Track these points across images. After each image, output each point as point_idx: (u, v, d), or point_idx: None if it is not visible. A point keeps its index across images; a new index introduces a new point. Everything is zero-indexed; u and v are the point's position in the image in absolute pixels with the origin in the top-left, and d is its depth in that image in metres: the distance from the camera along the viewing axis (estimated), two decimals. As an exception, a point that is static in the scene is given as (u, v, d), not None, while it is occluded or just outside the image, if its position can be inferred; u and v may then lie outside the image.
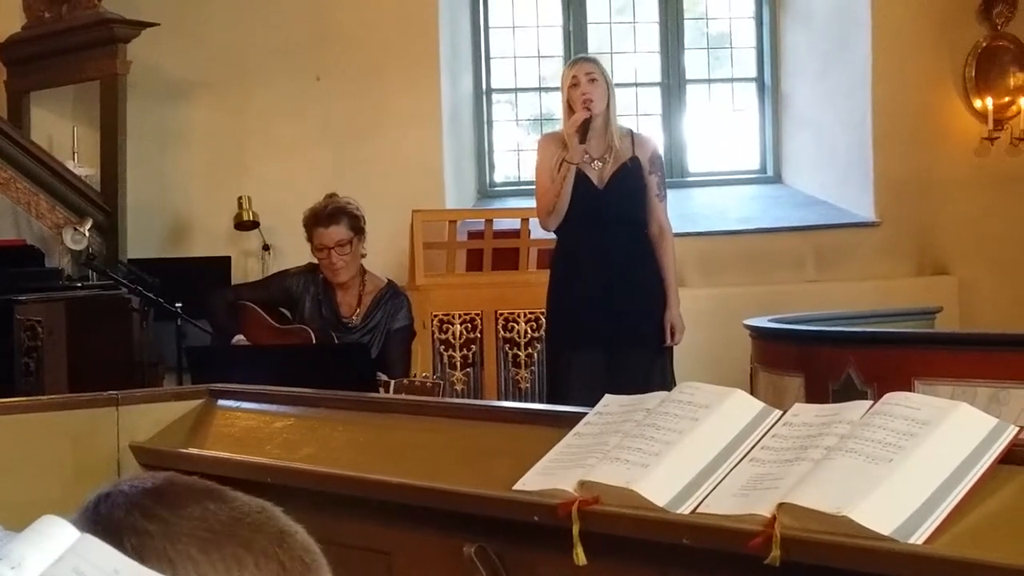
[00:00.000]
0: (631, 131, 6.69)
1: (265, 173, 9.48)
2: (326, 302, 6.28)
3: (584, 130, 6.34)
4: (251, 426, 3.76)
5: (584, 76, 6.41)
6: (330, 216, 6.22)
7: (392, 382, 5.72)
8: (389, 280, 6.45)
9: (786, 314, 7.69)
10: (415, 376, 5.88)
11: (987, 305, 9.78)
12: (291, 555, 1.28)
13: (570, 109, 6.45)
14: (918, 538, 2.19)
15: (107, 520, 1.27)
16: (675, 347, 6.54)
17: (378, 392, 5.62)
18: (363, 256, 6.33)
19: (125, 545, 1.22)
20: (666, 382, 6.17)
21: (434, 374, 6.06)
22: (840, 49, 10.20)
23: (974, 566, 2.12)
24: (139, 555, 1.22)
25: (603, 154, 6.47)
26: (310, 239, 6.29)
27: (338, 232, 6.20)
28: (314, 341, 6.10)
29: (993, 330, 7.32)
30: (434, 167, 9.75)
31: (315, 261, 6.33)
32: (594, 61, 6.62)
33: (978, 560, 2.12)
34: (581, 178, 6.42)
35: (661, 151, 6.86)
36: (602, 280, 6.37)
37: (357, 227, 6.25)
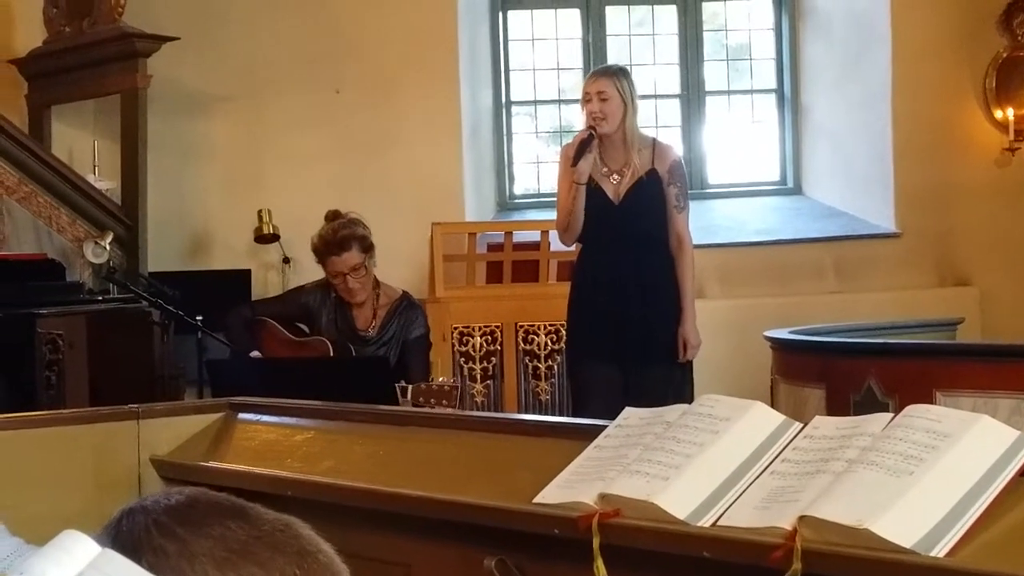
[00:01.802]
0: (654, 140, 6.62)
1: (285, 186, 9.50)
2: (342, 316, 6.30)
3: (580, 151, 6.30)
4: (271, 439, 3.77)
5: (596, 95, 6.37)
6: (340, 244, 6.24)
7: (409, 387, 5.73)
8: (404, 291, 6.47)
9: (807, 325, 7.68)
10: (432, 380, 5.89)
11: (1009, 316, 9.74)
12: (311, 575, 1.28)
13: None
14: (940, 551, 2.18)
15: (127, 537, 1.27)
16: (693, 360, 6.51)
17: (397, 401, 5.63)
18: (374, 266, 6.36)
19: (143, 563, 1.22)
20: (683, 397, 6.14)
21: (452, 379, 6.05)
22: (860, 60, 10.19)
23: (996, 579, 2.11)
24: (156, 572, 1.22)
25: (621, 167, 6.43)
26: (322, 265, 6.32)
27: (351, 258, 6.23)
28: (331, 353, 6.11)
29: (1015, 342, 7.29)
30: (454, 179, 9.76)
31: None
32: (611, 76, 6.48)
33: (1000, 572, 2.11)
34: (597, 193, 6.38)
35: (682, 161, 6.80)
36: (618, 295, 6.33)
37: (367, 247, 6.28)
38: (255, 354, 6.23)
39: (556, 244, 7.38)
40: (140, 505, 1.31)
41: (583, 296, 6.48)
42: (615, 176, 6.42)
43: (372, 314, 6.32)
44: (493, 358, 7.80)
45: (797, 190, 10.60)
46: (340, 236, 6.27)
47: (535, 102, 10.68)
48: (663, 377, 6.32)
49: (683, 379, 6.44)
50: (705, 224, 9.77)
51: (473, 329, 7.80)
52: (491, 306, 7.86)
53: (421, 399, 5.73)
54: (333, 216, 6.47)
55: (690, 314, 6.41)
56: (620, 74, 6.51)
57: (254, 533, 1.27)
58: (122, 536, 1.27)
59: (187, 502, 1.31)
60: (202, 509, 1.30)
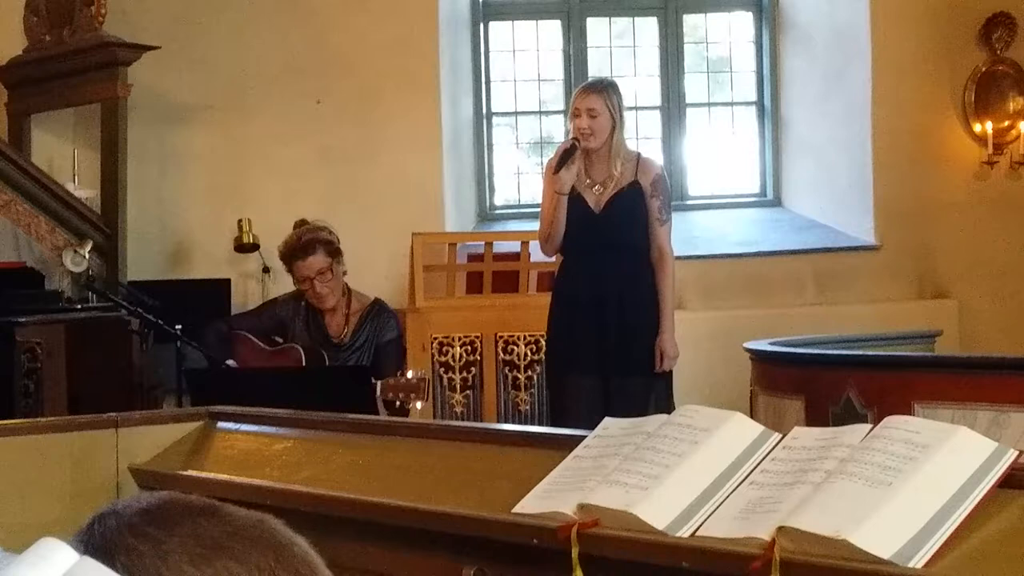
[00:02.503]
0: (639, 155, 6.61)
1: (265, 196, 9.49)
2: (315, 323, 6.33)
3: (563, 160, 6.30)
4: (250, 448, 3.76)
5: (585, 111, 6.37)
6: (305, 248, 6.28)
7: (378, 383, 5.74)
8: (376, 298, 6.50)
9: (786, 337, 7.69)
10: (400, 375, 5.90)
11: (987, 328, 9.78)
12: (287, 567, 1.28)
13: None
14: (917, 562, 2.19)
15: (101, 540, 1.27)
16: (673, 371, 6.51)
17: (377, 410, 5.65)
18: (344, 274, 6.38)
19: (116, 565, 1.22)
20: (662, 407, 6.14)
21: (420, 371, 6.06)
22: (840, 73, 10.21)
23: (974, 590, 2.12)
24: (131, 574, 1.22)
25: (604, 179, 6.44)
26: (290, 271, 6.35)
27: (316, 261, 6.27)
28: (303, 359, 6.13)
29: (993, 354, 7.31)
30: (434, 190, 9.76)
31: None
32: (601, 92, 6.45)
33: (978, 584, 2.12)
34: (579, 202, 6.38)
35: (666, 175, 6.81)
36: (597, 305, 6.32)
37: (333, 251, 6.32)
38: (229, 362, 6.24)
39: (536, 255, 7.39)
40: (111, 509, 1.31)
41: (563, 306, 6.48)
42: (597, 187, 6.42)
43: (344, 320, 6.35)
44: (473, 368, 7.80)
45: (777, 202, 10.62)
46: (304, 240, 6.32)
47: (516, 113, 10.68)
48: (643, 387, 6.31)
49: (663, 390, 6.44)
50: (685, 236, 9.78)
51: (453, 339, 7.80)
52: (471, 316, 7.86)
53: (391, 394, 5.74)
54: (300, 224, 6.53)
55: (668, 325, 6.41)
56: (610, 89, 6.50)
57: (227, 529, 1.27)
58: (95, 540, 1.27)
59: (158, 503, 1.31)
60: (174, 509, 1.30)
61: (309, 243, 6.30)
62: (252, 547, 1.27)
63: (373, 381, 5.79)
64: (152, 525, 1.27)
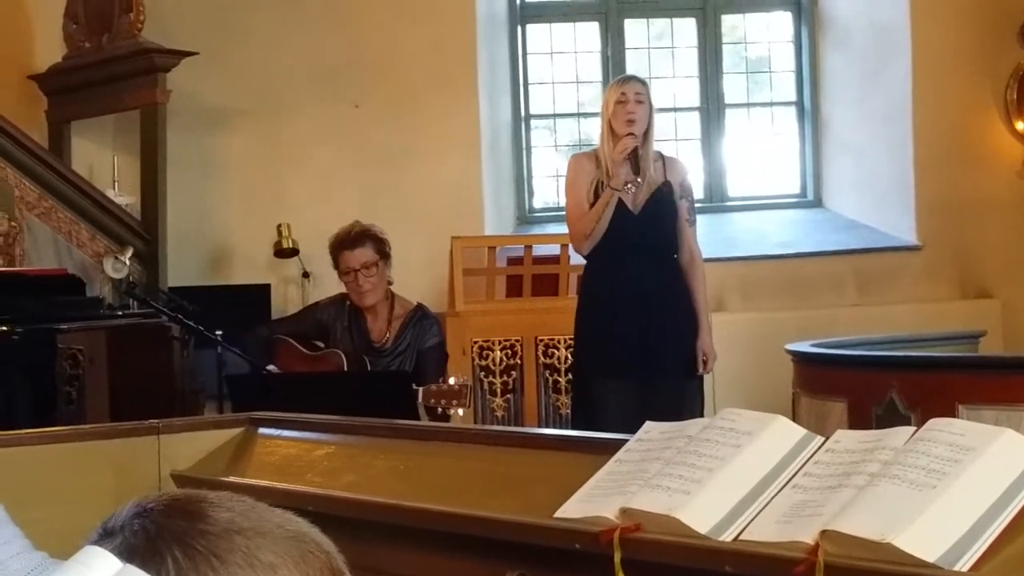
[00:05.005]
0: (661, 154, 6.59)
1: (304, 200, 9.51)
2: (356, 328, 6.32)
3: (635, 157, 6.30)
4: (292, 454, 3.76)
5: (633, 95, 6.35)
6: (355, 239, 6.29)
7: (420, 389, 5.75)
8: (419, 303, 6.49)
9: (828, 338, 7.65)
10: (442, 381, 5.90)
11: (1030, 328, 9.72)
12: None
13: (610, 128, 6.39)
14: (963, 565, 2.17)
15: (144, 539, 1.26)
16: (711, 374, 6.49)
17: (418, 415, 5.66)
18: (390, 283, 6.37)
19: (167, 563, 1.22)
20: (696, 411, 6.13)
21: (462, 378, 6.06)
22: (880, 72, 10.17)
23: (1021, 593, 2.10)
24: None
25: (637, 178, 6.42)
26: (336, 264, 6.35)
27: (364, 254, 6.26)
28: (345, 364, 6.13)
29: (1037, 354, 7.27)
30: (473, 193, 9.77)
31: (344, 291, 6.38)
32: (644, 83, 6.52)
33: (1025, 587, 2.10)
34: (616, 203, 6.38)
35: (691, 176, 6.79)
36: (636, 307, 6.29)
37: (382, 251, 6.31)
38: (271, 368, 6.25)
39: (576, 258, 7.38)
40: (141, 509, 1.30)
41: (598, 308, 6.43)
42: (630, 186, 6.39)
43: (386, 325, 6.34)
44: (513, 372, 7.81)
45: (817, 203, 10.58)
46: (356, 232, 6.33)
47: (554, 115, 10.68)
48: (681, 390, 6.30)
49: (696, 392, 6.42)
50: (725, 237, 9.77)
51: (493, 343, 7.80)
52: (511, 320, 7.87)
53: (432, 400, 5.74)
54: (353, 224, 6.52)
55: (706, 327, 6.40)
56: (648, 84, 6.54)
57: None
58: (136, 540, 1.26)
59: (183, 498, 1.30)
60: (199, 501, 1.29)
61: (360, 235, 6.31)
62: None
63: (414, 387, 5.78)
64: (186, 519, 1.26)
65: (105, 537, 1.28)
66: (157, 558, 1.23)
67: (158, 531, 1.25)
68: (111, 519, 1.30)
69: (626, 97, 6.36)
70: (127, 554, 1.23)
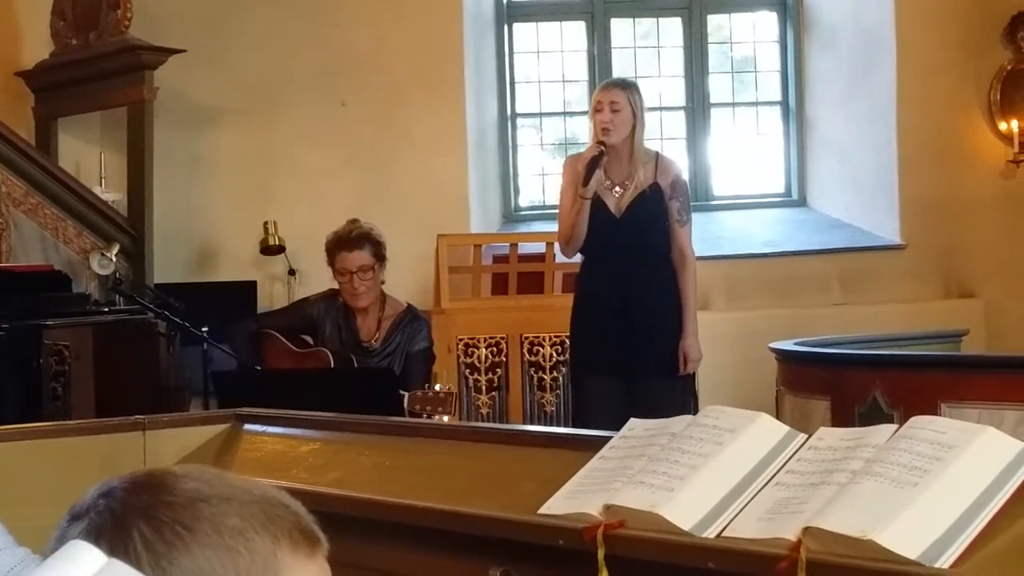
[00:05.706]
0: (657, 154, 6.58)
1: (291, 198, 9.52)
2: (346, 327, 6.30)
3: (591, 168, 6.29)
4: (277, 450, 3.77)
5: (608, 104, 6.36)
6: (354, 241, 6.26)
7: (407, 395, 5.75)
8: (409, 304, 6.48)
9: (812, 337, 7.68)
10: (428, 387, 5.90)
11: (1013, 328, 9.74)
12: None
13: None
14: (944, 562, 2.19)
15: (109, 518, 1.27)
16: (696, 373, 6.50)
17: (403, 411, 5.66)
18: (383, 283, 6.36)
19: (134, 536, 1.23)
20: (685, 409, 6.13)
21: (447, 386, 6.07)
22: (865, 73, 10.20)
23: (1000, 590, 2.11)
24: (149, 547, 1.23)
25: (624, 180, 6.41)
26: (331, 263, 6.32)
27: (361, 257, 6.24)
28: (332, 363, 6.13)
29: (1020, 353, 7.29)
30: (459, 192, 9.77)
31: (335, 287, 6.37)
32: (625, 88, 6.47)
33: (1004, 584, 2.11)
34: (600, 205, 6.35)
35: (685, 175, 6.79)
36: (619, 307, 6.31)
37: (379, 254, 6.29)
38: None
39: (561, 256, 7.39)
40: (106, 489, 1.31)
41: (585, 308, 6.47)
42: (617, 189, 6.39)
43: (376, 325, 6.32)
44: (498, 369, 7.81)
45: (802, 202, 10.61)
46: (355, 234, 6.31)
47: (540, 114, 10.70)
48: (666, 389, 6.30)
49: (684, 391, 6.43)
50: (710, 236, 9.78)
51: (478, 340, 7.81)
52: (496, 317, 7.87)
53: (418, 406, 5.75)
54: (352, 222, 6.50)
55: (691, 328, 6.39)
56: (632, 88, 6.51)
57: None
58: (102, 520, 1.27)
59: (145, 474, 1.32)
60: (161, 476, 1.31)
61: (359, 237, 6.29)
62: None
63: (401, 392, 5.78)
64: (149, 493, 1.28)
65: (73, 521, 1.29)
66: (124, 535, 1.23)
67: (123, 508, 1.26)
68: (77, 503, 1.31)
69: (601, 105, 6.37)
70: (94, 535, 1.24)
